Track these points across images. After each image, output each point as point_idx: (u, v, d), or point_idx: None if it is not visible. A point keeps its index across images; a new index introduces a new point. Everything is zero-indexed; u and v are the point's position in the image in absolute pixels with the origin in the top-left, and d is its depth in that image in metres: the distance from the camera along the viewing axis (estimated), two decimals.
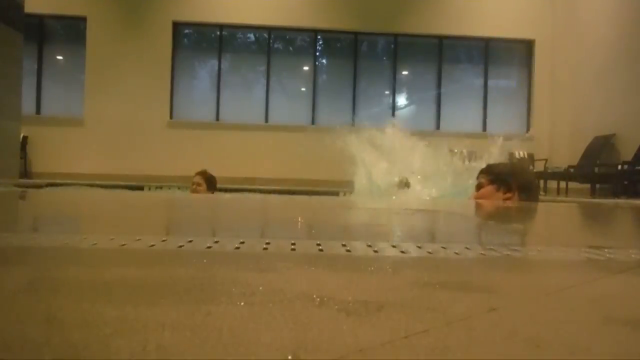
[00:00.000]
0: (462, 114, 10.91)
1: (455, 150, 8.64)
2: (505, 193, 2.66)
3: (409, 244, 1.00)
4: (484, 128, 10.80)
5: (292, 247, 0.88)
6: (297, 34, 11.02)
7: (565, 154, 9.44)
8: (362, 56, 11.01)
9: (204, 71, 11.04)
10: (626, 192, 6.94)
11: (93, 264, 0.73)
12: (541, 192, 8.54)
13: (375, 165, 5.15)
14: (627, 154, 7.58)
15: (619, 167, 7.57)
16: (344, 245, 0.90)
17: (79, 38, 10.31)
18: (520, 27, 10.73)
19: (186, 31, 10.89)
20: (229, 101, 10.61)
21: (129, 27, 10.30)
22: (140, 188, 7.62)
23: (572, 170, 8.32)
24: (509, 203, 2.62)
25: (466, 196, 3.34)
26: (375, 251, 0.86)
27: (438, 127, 10.80)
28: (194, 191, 4.80)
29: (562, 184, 8.39)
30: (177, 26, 10.51)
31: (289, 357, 0.34)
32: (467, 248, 0.93)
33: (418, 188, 4.79)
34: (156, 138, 10.07)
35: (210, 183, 4.87)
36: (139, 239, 0.91)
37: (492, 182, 2.69)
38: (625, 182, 7.28)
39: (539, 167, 9.75)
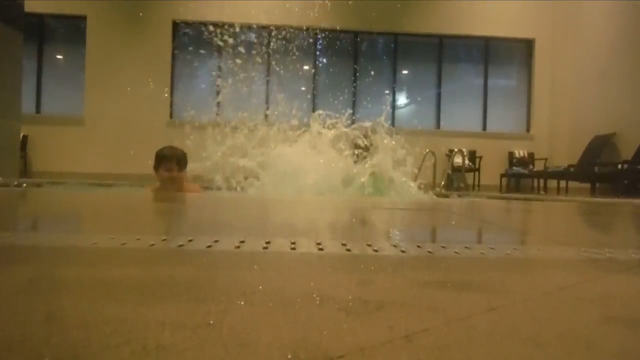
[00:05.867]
0: (462, 113, 10.89)
1: (455, 150, 8.64)
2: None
3: (406, 242, 1.00)
4: (484, 127, 10.80)
5: (292, 246, 0.87)
6: (297, 34, 11.01)
7: (565, 153, 9.42)
8: (362, 56, 11.00)
9: (204, 71, 11.02)
10: (626, 192, 6.93)
11: (93, 263, 0.73)
12: (541, 192, 8.56)
13: None
14: (628, 153, 7.56)
15: (619, 166, 7.55)
16: (343, 245, 0.90)
17: (79, 37, 10.30)
18: (520, 26, 10.72)
19: (186, 30, 10.88)
20: (229, 101, 10.60)
21: (129, 26, 10.29)
22: (141, 187, 7.60)
23: (572, 169, 8.31)
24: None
25: None
26: (375, 250, 0.86)
27: (438, 126, 10.79)
28: (171, 179, 3.37)
29: (562, 183, 8.38)
30: (177, 25, 10.51)
31: (289, 357, 0.34)
32: (467, 247, 0.92)
33: None
34: (156, 137, 10.03)
35: (184, 163, 3.55)
36: (139, 238, 0.91)
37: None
38: (626, 181, 7.26)
39: (539, 166, 9.75)
